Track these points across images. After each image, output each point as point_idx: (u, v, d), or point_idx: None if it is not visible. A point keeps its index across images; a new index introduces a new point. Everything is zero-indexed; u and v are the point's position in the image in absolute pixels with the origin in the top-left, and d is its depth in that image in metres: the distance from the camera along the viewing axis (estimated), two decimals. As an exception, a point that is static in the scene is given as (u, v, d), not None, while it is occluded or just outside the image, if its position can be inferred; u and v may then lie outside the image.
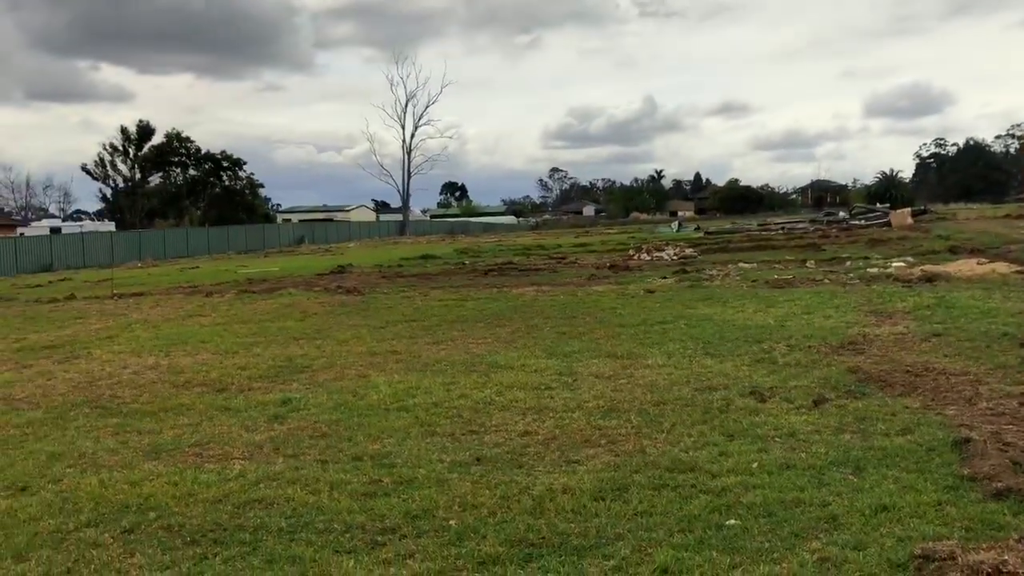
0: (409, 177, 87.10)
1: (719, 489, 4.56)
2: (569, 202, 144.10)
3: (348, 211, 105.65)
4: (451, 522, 4.31)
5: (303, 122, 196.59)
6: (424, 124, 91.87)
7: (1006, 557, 3.36)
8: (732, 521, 4.11)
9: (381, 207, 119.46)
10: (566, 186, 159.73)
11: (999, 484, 4.27)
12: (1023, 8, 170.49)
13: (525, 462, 5.27)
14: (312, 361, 9.23)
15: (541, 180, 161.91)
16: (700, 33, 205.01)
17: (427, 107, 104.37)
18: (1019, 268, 15.13)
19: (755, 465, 4.92)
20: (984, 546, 3.55)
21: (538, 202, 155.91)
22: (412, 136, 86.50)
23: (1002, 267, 15.31)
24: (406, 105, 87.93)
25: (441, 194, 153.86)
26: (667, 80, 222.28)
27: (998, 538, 3.68)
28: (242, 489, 4.99)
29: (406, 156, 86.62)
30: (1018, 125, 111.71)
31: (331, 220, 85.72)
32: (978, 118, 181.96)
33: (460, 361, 8.80)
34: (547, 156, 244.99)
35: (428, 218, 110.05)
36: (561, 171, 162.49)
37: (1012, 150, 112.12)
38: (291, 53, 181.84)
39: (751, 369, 7.70)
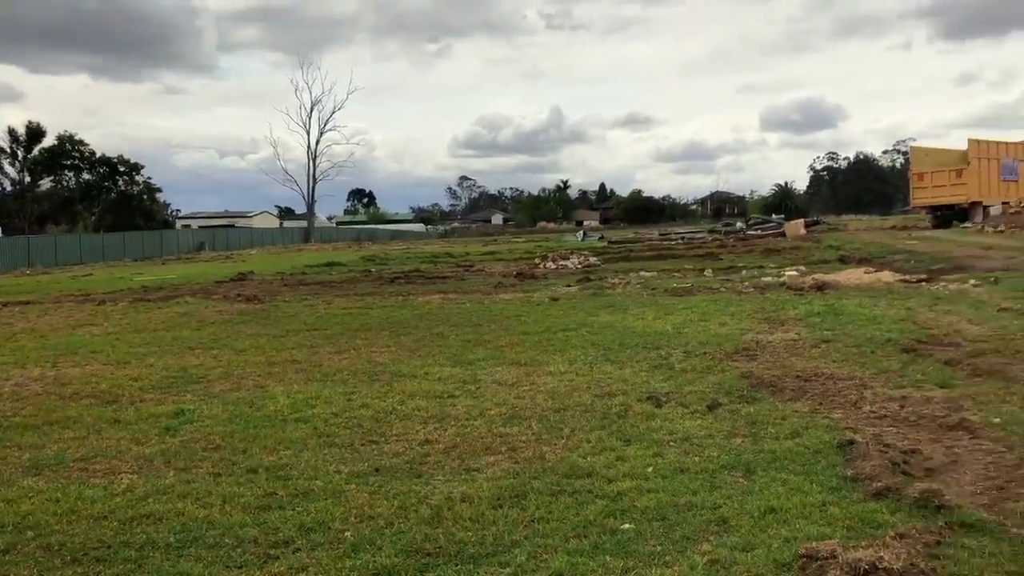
0: (314, 183, 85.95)
1: (615, 494, 4.63)
2: (478, 210, 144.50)
3: (251, 217, 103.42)
4: (347, 534, 4.25)
5: (205, 126, 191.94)
6: (330, 130, 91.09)
7: (882, 554, 3.51)
8: (627, 525, 4.18)
9: (285, 213, 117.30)
10: (475, 194, 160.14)
11: (879, 484, 4.46)
12: (907, 31, 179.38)
13: (425, 471, 5.24)
14: (208, 371, 8.97)
15: (450, 188, 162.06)
16: (605, 46, 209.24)
17: (333, 113, 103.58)
18: (903, 277, 15.88)
19: (650, 469, 5.02)
20: (863, 544, 3.70)
21: (447, 210, 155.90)
22: (317, 142, 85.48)
23: (887, 276, 16.04)
24: (311, 110, 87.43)
25: (348, 201, 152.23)
26: (574, 91, 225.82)
27: (876, 536, 3.83)
28: (129, 504, 4.80)
29: (311, 162, 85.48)
30: (903, 141, 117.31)
31: (233, 226, 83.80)
32: (867, 133, 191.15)
33: (362, 370, 8.69)
34: (456, 164, 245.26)
35: (334, 225, 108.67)
36: (470, 179, 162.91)
37: (898, 164, 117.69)
38: (193, 55, 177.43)
39: (649, 375, 7.85)
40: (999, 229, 30.76)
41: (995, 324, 9.82)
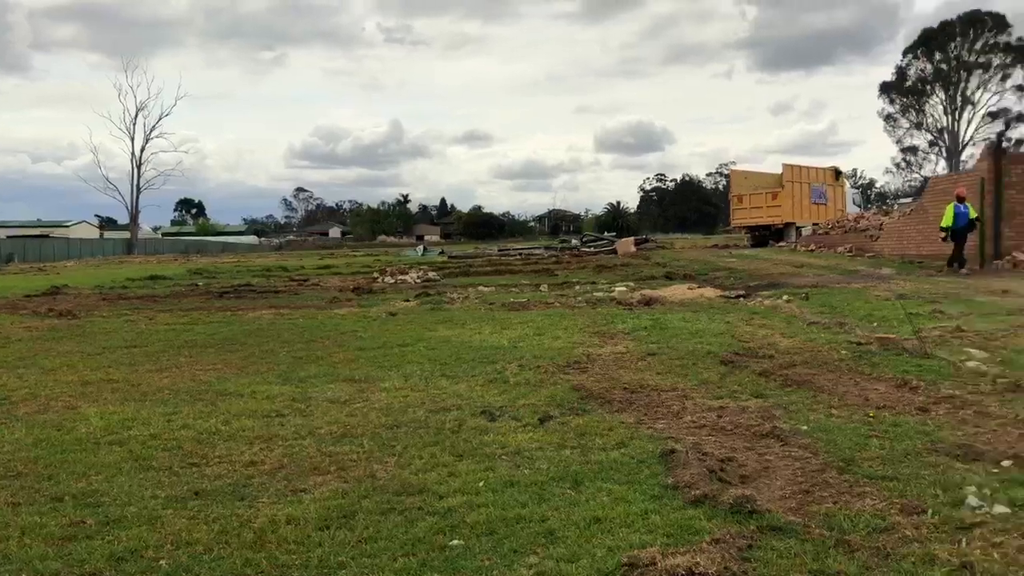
0: (139, 192, 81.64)
1: (445, 510, 4.60)
2: (315, 223, 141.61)
3: (68, 227, 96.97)
4: (162, 562, 4.01)
5: (16, 128, 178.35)
6: (157, 137, 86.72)
7: (698, 559, 3.66)
8: (456, 541, 4.16)
9: (107, 224, 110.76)
10: (312, 207, 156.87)
11: (697, 491, 4.65)
12: (729, 61, 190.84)
13: (248, 493, 5.03)
14: (11, 392, 8.28)
15: (285, 200, 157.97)
16: (446, 62, 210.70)
17: (160, 119, 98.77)
18: (723, 293, 16.77)
19: (481, 484, 5.03)
20: (681, 550, 3.84)
21: (282, 222, 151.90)
22: (143, 149, 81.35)
23: (709, 292, 16.89)
24: (136, 115, 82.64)
25: (176, 211, 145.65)
26: (414, 106, 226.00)
27: (693, 542, 3.99)
28: (-91, 542, 4.34)
29: (135, 170, 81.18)
30: (725, 164, 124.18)
31: (47, 236, 78.19)
32: (692, 156, 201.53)
33: (185, 389, 8.28)
34: (292, 175, 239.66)
35: (160, 236, 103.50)
36: (307, 191, 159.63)
37: (720, 187, 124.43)
38: (2, 53, 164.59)
39: (484, 389, 7.89)
40: (810, 248, 33.08)
41: (805, 337, 10.52)
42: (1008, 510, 4.33)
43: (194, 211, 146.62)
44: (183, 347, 11.23)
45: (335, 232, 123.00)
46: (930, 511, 4.35)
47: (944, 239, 20.80)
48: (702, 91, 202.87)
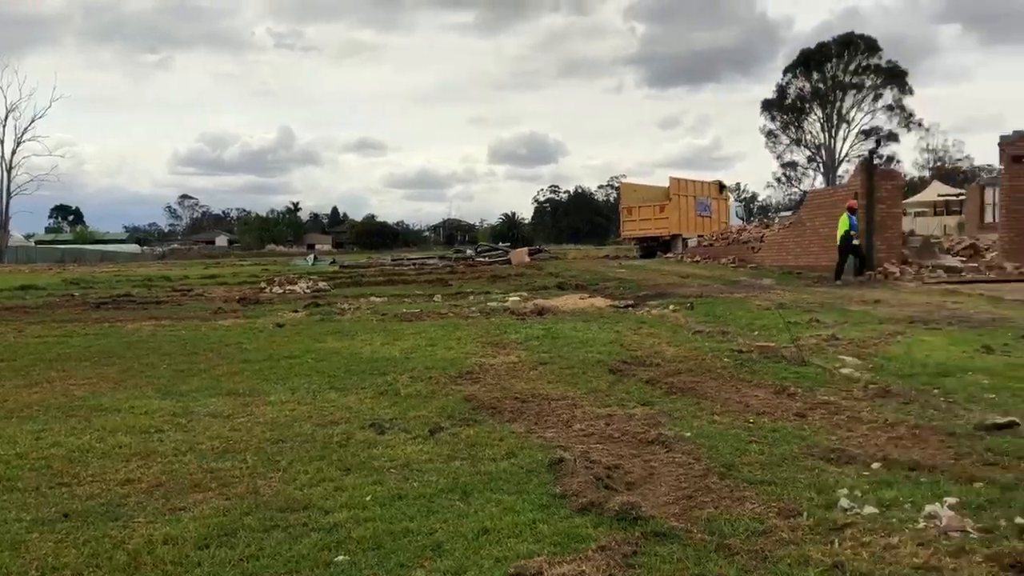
0: (9, 198, 77.39)
1: (331, 525, 4.51)
2: (201, 231, 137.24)
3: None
4: (25, 590, 3.79)
5: None
6: (29, 140, 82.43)
7: (584, 567, 3.69)
8: (341, 557, 4.08)
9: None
10: (197, 215, 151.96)
11: (584, 499, 4.70)
12: (619, 76, 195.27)
13: (123, 513, 4.81)
14: None
15: (169, 207, 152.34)
16: (338, 70, 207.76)
17: (33, 121, 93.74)
18: (613, 303, 17.09)
19: (368, 498, 4.95)
20: (568, 559, 3.87)
21: (166, 230, 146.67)
22: (14, 152, 77.06)
23: (599, 301, 17.20)
24: (6, 117, 78.10)
25: (50, 218, 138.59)
26: (305, 113, 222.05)
27: (580, 550, 4.03)
28: None
29: (6, 174, 76.89)
30: (616, 177, 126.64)
31: (-95, 243, 73.22)
32: (584, 168, 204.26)
33: (56, 405, 7.86)
34: (176, 182, 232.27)
35: (33, 244, 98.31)
36: (192, 198, 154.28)
37: (611, 199, 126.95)
38: None
39: (374, 402, 7.79)
40: (695, 260, 34.09)
41: (690, 346, 10.82)
42: (877, 510, 4.54)
43: (71, 218, 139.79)
44: (55, 361, 10.68)
45: (222, 241, 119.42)
46: (805, 513, 4.53)
47: (855, 244, 21.72)
48: (594, 105, 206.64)
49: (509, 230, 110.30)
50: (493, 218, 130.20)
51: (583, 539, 4.20)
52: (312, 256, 58.40)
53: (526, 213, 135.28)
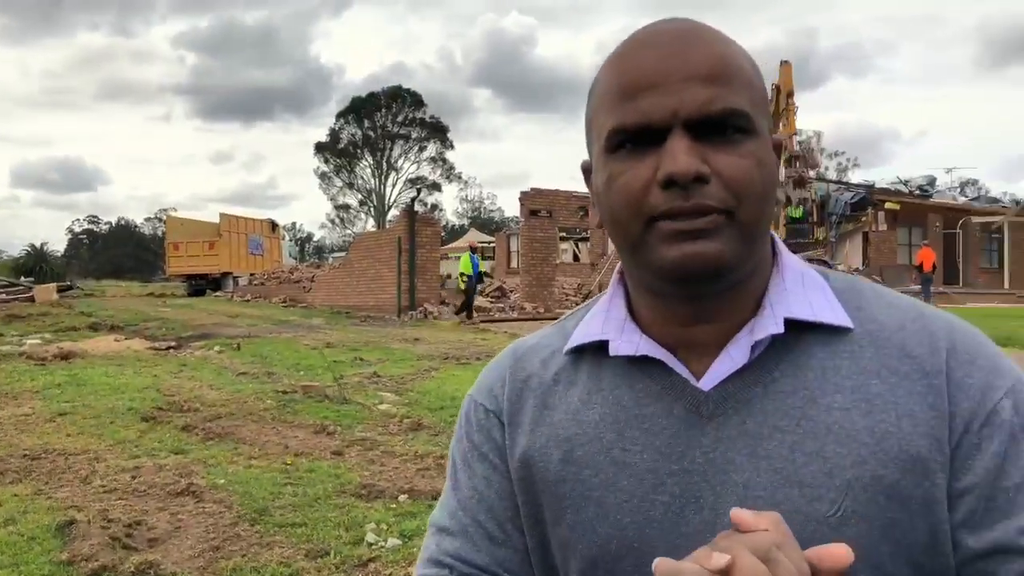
0: None
1: None
2: None
3: None
4: None
5: None
6: None
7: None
8: None
9: None
10: None
11: (95, 564, 4.27)
12: (167, 105, 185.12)
13: None
14: None
15: None
16: None
17: None
18: (153, 344, 16.00)
19: None
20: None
21: None
22: None
23: (137, 344, 15.98)
24: None
25: None
26: None
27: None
28: None
29: None
30: (164, 210, 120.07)
31: None
32: (129, 199, 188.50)
33: None
34: None
35: None
36: None
37: (159, 232, 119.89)
38: None
39: None
40: (246, 298, 33.45)
41: (233, 388, 10.50)
42: (400, 542, 4.77)
43: None
44: None
45: None
46: (332, 552, 4.59)
47: (467, 287, 22.83)
48: (140, 132, 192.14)
49: (36, 264, 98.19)
50: (16, 249, 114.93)
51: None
52: None
53: (59, 245, 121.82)
